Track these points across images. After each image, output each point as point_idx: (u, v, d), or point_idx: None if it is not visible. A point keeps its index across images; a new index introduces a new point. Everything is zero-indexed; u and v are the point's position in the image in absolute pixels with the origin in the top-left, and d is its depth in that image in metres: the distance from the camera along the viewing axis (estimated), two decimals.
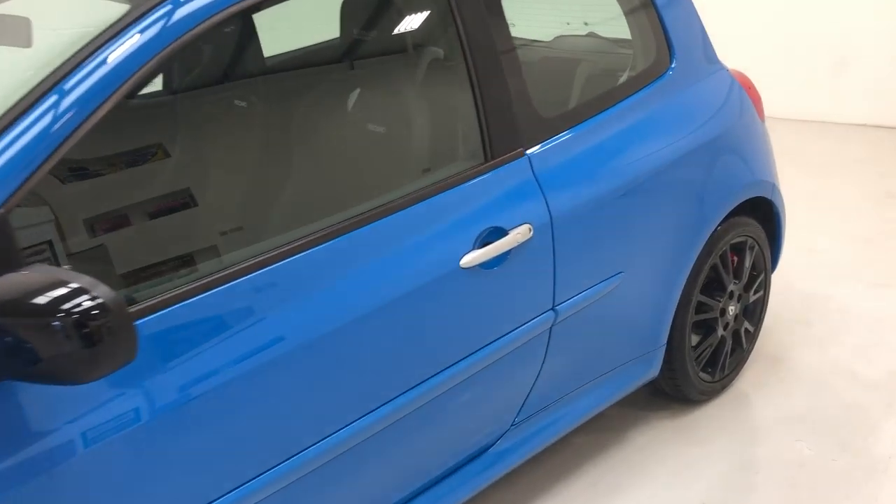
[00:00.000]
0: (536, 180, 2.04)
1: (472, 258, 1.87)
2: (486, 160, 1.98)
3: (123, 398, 1.42)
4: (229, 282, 1.55)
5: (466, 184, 1.92)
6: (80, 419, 1.37)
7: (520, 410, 2.19)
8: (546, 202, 2.04)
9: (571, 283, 2.14)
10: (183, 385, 1.49)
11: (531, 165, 2.05)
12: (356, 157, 2.15)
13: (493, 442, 2.17)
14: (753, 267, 2.88)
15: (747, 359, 3.00)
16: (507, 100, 2.01)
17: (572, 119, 2.19)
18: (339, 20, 2.44)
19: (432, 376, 1.88)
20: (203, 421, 1.52)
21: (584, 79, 2.52)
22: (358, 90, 2.29)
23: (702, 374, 2.77)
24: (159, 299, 1.47)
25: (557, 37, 2.98)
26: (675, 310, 2.53)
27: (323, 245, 1.69)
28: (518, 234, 1.95)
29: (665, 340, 2.55)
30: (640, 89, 2.37)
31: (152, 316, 1.46)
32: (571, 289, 2.15)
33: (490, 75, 1.98)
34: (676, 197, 2.39)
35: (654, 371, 2.58)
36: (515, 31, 3.35)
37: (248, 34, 2.48)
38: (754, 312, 2.95)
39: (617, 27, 2.65)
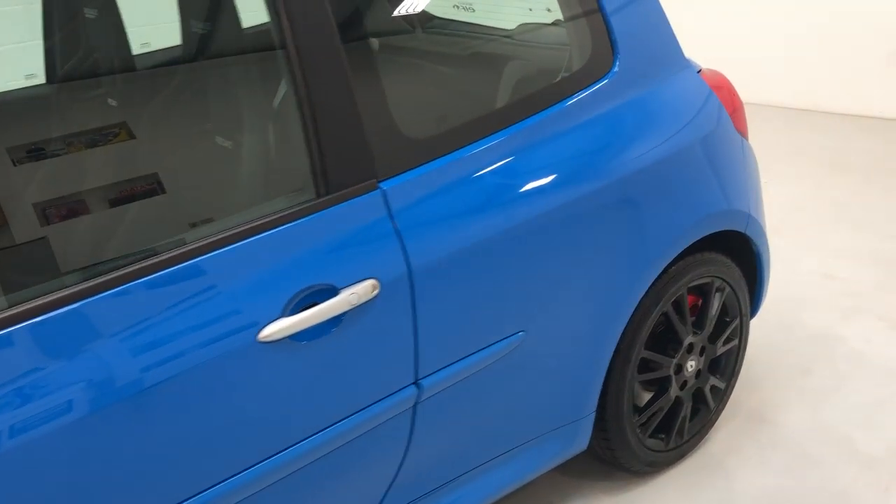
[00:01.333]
0: (392, 221, 1.58)
1: (276, 329, 1.43)
2: (318, 195, 1.52)
3: None
4: None
5: (280, 228, 1.47)
6: None
7: (383, 498, 1.75)
8: (404, 249, 1.58)
9: (442, 351, 1.68)
10: None
11: (386, 202, 1.59)
12: (145, 186, 1.71)
13: None
14: (724, 312, 2.36)
15: (715, 421, 2.49)
16: (351, 115, 1.54)
17: (455, 139, 1.71)
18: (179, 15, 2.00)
19: (232, 476, 1.46)
20: None
21: (502, 84, 2.03)
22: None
23: (650, 442, 2.28)
24: None
25: (521, 24, 2.48)
26: (605, 372, 2.04)
27: (87, 300, 1.28)
28: (353, 295, 1.50)
29: (593, 408, 2.07)
30: (566, 97, 1.88)
31: None
32: (442, 358, 1.69)
33: (325, 81, 1.51)
34: (605, 233, 1.90)
35: (579, 444, 2.10)
36: (473, 17, 2.88)
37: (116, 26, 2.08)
38: (725, 366, 2.43)
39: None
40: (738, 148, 2.25)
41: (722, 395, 2.46)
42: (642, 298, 2.06)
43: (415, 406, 1.68)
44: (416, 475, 1.77)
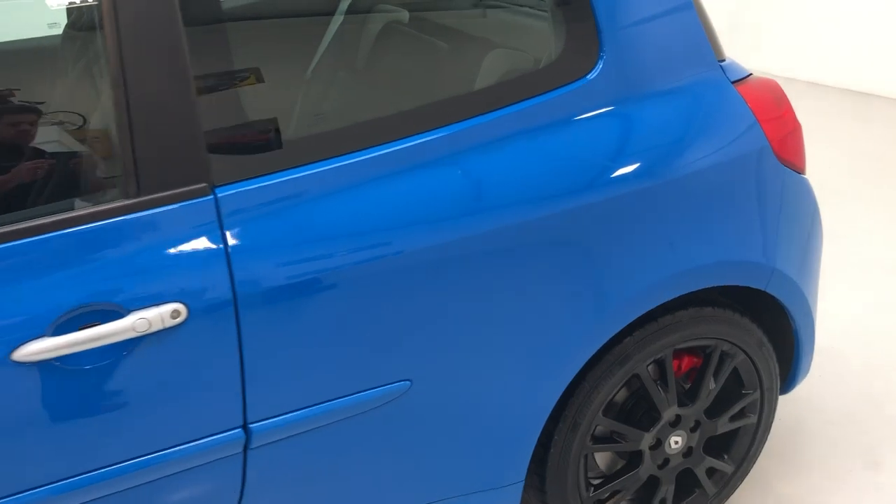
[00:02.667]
0: (223, 237, 1.31)
1: (35, 349, 1.21)
2: (127, 196, 1.27)
3: None
4: None
5: (63, 232, 1.24)
6: None
7: None
8: (231, 273, 1.31)
9: (281, 395, 1.40)
10: None
11: (218, 212, 1.31)
12: None
13: None
14: (739, 382, 1.90)
15: None
16: (181, 103, 1.28)
17: (332, 144, 1.40)
18: None
19: None
20: None
21: (416, 79, 1.67)
22: None
23: None
24: None
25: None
26: (537, 437, 1.67)
27: None
28: (141, 321, 1.25)
29: (521, 476, 1.71)
30: (502, 106, 1.51)
31: None
32: (281, 403, 1.40)
33: (150, 59, 1.26)
34: (531, 278, 1.51)
35: None
36: None
37: None
38: (735, 447, 1.97)
39: None
40: (774, 184, 1.76)
41: (727, 481, 2.00)
42: (600, 357, 1.67)
43: (245, 452, 1.42)
44: None
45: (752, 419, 1.95)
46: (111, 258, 1.26)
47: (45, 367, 1.22)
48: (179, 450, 1.36)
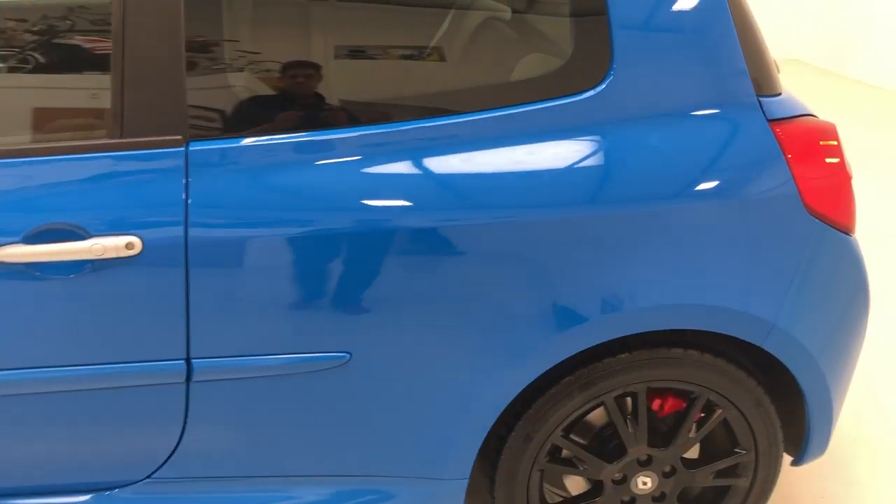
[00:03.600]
0: (186, 189, 1.46)
1: (9, 252, 1.42)
2: (111, 137, 1.46)
3: None
4: None
5: (52, 158, 1.44)
6: None
7: (162, 465, 1.68)
8: (186, 218, 1.45)
9: (225, 340, 1.53)
10: None
11: (186, 165, 1.46)
12: None
13: (122, 482, 1.71)
14: (733, 438, 1.79)
15: None
16: (170, 60, 1.43)
17: (318, 118, 1.51)
18: None
19: None
20: None
21: (413, 69, 1.71)
22: None
23: None
24: None
25: None
26: (481, 439, 1.68)
27: None
28: (97, 246, 1.42)
29: (465, 475, 1.72)
30: (489, 108, 1.53)
31: None
32: (224, 346, 1.53)
33: (147, 19, 1.42)
34: (497, 271, 1.53)
35: None
36: None
37: None
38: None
39: None
40: (794, 236, 1.63)
41: None
42: (562, 376, 1.65)
43: (187, 383, 1.57)
44: (203, 456, 1.66)
45: (744, 482, 1.83)
46: (85, 188, 1.45)
47: (18, 269, 1.44)
48: (128, 366, 1.53)
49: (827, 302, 1.72)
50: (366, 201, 1.49)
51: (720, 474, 1.82)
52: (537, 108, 1.55)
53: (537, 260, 1.53)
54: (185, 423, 1.62)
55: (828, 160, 1.68)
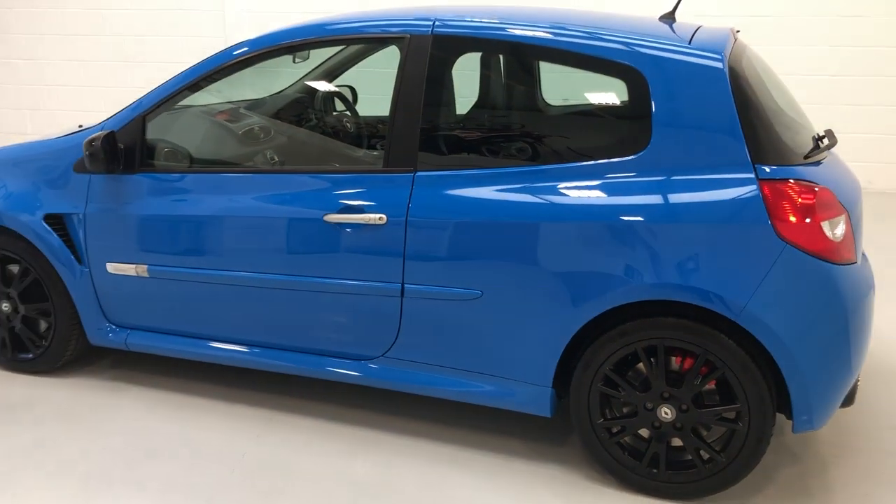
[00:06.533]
0: (411, 193, 2.88)
1: (332, 217, 2.96)
2: (385, 166, 2.95)
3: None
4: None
5: (359, 175, 3.00)
6: None
7: (388, 349, 3.03)
8: (408, 210, 2.87)
9: (420, 275, 2.87)
10: None
11: (412, 183, 2.88)
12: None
13: (365, 356, 3.09)
14: (723, 393, 2.62)
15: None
16: (409, 127, 2.92)
17: (468, 160, 2.87)
18: None
19: (297, 275, 3.06)
20: None
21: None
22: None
23: (616, 451, 2.80)
24: None
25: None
26: (557, 360, 2.76)
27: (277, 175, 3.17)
28: (369, 217, 2.90)
29: (548, 383, 2.81)
30: (593, 160, 2.72)
31: None
32: (419, 279, 2.87)
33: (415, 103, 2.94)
34: (552, 256, 2.71)
35: (541, 409, 2.87)
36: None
37: None
38: (728, 446, 2.68)
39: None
40: (767, 251, 2.49)
41: (714, 466, 2.68)
42: (607, 328, 2.70)
43: (402, 298, 2.93)
44: (413, 347, 2.99)
45: (743, 428, 2.61)
46: (365, 190, 2.96)
47: (333, 225, 2.98)
48: (375, 284, 2.96)
49: (792, 298, 2.50)
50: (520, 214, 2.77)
51: (724, 420, 2.63)
52: (609, 162, 2.69)
53: (602, 247, 2.65)
54: (400, 321, 2.99)
55: (800, 213, 2.50)
